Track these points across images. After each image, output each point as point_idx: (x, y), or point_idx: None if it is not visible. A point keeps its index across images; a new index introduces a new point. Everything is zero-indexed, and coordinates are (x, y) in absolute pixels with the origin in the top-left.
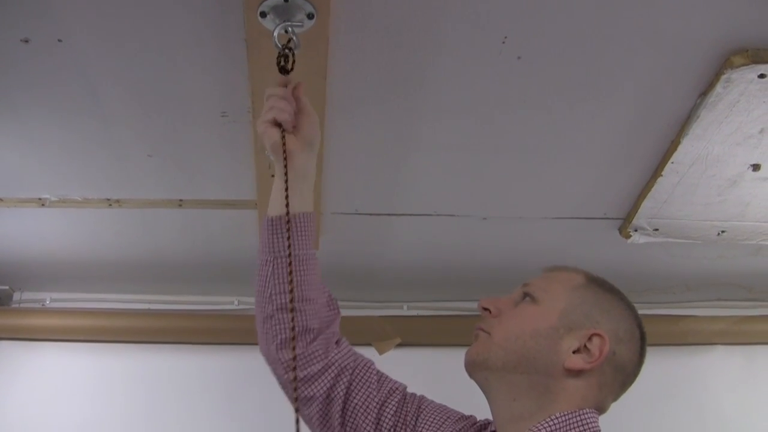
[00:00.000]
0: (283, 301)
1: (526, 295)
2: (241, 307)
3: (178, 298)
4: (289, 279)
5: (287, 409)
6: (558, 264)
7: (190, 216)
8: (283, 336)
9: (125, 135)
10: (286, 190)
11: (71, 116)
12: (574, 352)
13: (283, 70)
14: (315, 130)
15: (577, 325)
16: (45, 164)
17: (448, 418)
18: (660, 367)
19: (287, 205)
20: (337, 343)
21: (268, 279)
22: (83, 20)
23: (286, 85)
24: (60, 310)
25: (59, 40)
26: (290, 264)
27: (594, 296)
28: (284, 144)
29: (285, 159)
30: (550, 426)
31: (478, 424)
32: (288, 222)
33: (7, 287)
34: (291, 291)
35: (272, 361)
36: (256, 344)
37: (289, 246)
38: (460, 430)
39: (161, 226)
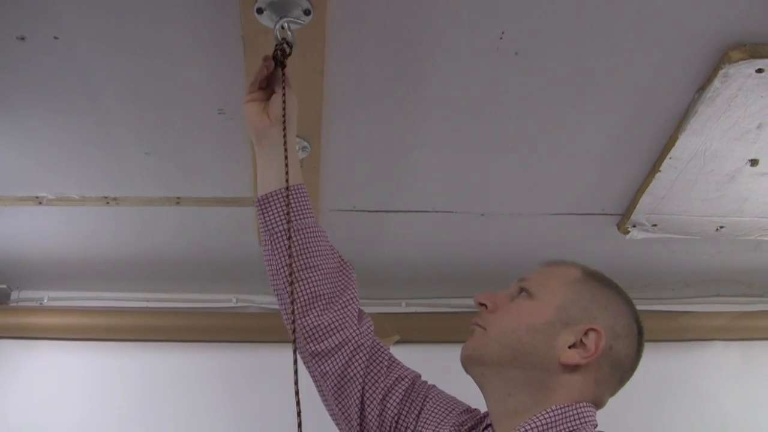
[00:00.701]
0: (286, 273)
1: (522, 290)
2: (239, 304)
3: (176, 296)
4: (287, 246)
5: (286, 406)
6: (555, 258)
7: (187, 214)
8: (296, 306)
9: (122, 133)
10: (287, 166)
11: (68, 114)
12: (570, 347)
13: (279, 63)
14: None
15: (574, 320)
16: (42, 162)
17: (453, 410)
18: (659, 363)
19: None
20: (359, 320)
21: (271, 258)
22: (80, 18)
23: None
24: (58, 309)
25: (55, 38)
26: (288, 238)
27: (591, 291)
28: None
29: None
30: (545, 419)
31: (479, 417)
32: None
33: (4, 286)
34: (289, 257)
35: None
36: (255, 342)
37: (288, 221)
38: (462, 423)
39: (159, 224)
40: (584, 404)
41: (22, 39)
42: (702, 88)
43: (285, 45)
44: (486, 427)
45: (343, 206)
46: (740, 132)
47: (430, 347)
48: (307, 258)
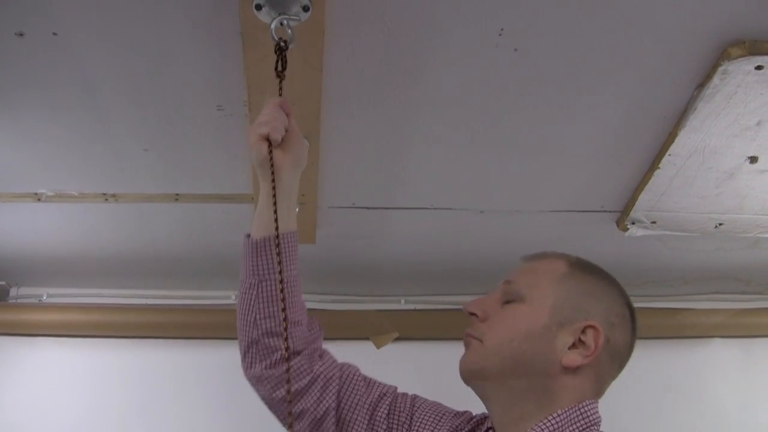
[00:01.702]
0: (269, 325)
1: (510, 292)
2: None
3: (174, 292)
4: (282, 297)
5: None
6: (537, 252)
7: (186, 210)
8: (270, 360)
9: (121, 129)
10: (275, 207)
11: (66, 111)
12: (569, 348)
13: (278, 73)
14: (303, 150)
15: (569, 320)
16: (40, 159)
17: (444, 415)
18: (657, 360)
19: (276, 227)
20: (320, 356)
21: (252, 303)
22: (78, 14)
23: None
24: (57, 306)
25: (54, 34)
26: (282, 286)
27: (580, 284)
28: (272, 159)
29: (273, 175)
30: (552, 424)
31: (474, 420)
32: (278, 242)
33: (3, 283)
34: (284, 310)
35: (257, 381)
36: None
37: (280, 267)
38: (457, 426)
39: (158, 221)
40: (587, 402)
41: (21, 35)
42: (701, 85)
43: (282, 46)
44: (488, 430)
45: (341, 203)
46: (739, 129)
47: (429, 344)
48: (292, 312)
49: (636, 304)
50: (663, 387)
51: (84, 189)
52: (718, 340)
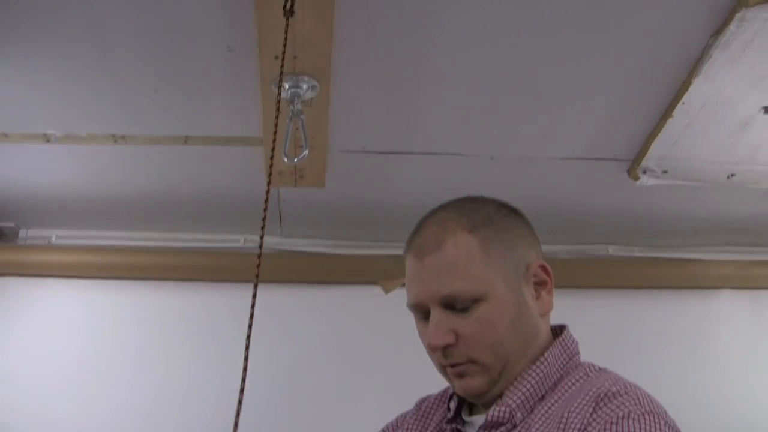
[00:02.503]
0: None
1: (460, 301)
2: (247, 245)
3: (183, 235)
4: None
5: (289, 345)
6: (425, 243)
7: (195, 153)
8: None
9: (130, 71)
10: None
11: (76, 51)
12: (537, 299)
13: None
14: None
15: (519, 276)
16: (50, 100)
17: (428, 412)
18: (666, 311)
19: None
20: None
21: None
22: None
23: None
24: (65, 247)
25: None
26: None
27: (496, 242)
28: None
29: None
30: (542, 370)
31: (439, 399)
32: None
33: (12, 224)
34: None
35: None
36: (262, 282)
37: None
38: (439, 420)
39: (167, 163)
40: (565, 335)
41: None
42: (717, 33)
43: None
44: (451, 397)
45: (352, 147)
46: (755, 78)
47: None
48: None
49: (645, 255)
50: (671, 337)
51: (93, 130)
52: (727, 291)
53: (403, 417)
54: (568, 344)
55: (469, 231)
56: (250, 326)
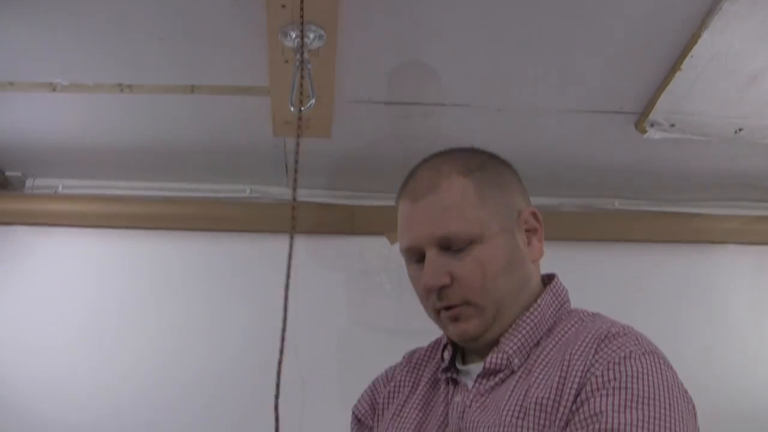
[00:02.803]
0: None
1: (456, 242)
2: (253, 195)
3: (190, 185)
4: None
5: (293, 295)
6: (420, 184)
7: (201, 102)
8: None
9: (136, 19)
10: None
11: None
12: (528, 245)
13: None
14: None
15: (511, 223)
16: (56, 48)
17: (402, 383)
18: (672, 265)
19: None
20: None
21: None
22: None
23: None
24: (72, 196)
25: None
26: None
27: (491, 186)
28: None
29: None
30: (535, 317)
31: (434, 349)
32: None
33: (19, 174)
34: None
35: None
36: (268, 232)
37: None
38: (431, 374)
39: (173, 113)
40: (555, 283)
41: None
42: None
43: None
44: (445, 346)
45: (358, 97)
46: (765, 32)
47: None
48: None
49: (652, 208)
50: (675, 291)
51: (99, 79)
52: (732, 246)
53: (392, 370)
54: (560, 291)
55: (464, 174)
56: (288, 275)
